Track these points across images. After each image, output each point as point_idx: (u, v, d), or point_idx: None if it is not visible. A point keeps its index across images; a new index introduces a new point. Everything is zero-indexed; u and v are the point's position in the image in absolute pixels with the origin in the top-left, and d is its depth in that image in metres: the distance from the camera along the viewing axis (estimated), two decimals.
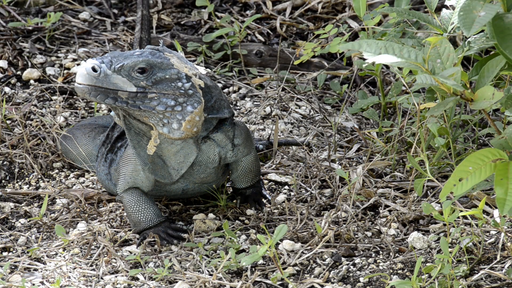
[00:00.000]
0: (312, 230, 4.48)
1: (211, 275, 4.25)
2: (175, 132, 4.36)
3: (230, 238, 4.45)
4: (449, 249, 4.13)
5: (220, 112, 4.50)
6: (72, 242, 4.48)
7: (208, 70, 6.01)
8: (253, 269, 4.29)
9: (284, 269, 4.29)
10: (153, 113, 4.32)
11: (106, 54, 4.32)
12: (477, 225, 4.39)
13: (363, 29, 5.24)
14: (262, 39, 6.39)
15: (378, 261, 4.34)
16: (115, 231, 4.58)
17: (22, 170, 5.12)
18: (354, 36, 6.23)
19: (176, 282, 4.22)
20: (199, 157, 4.50)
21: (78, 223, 4.66)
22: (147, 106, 4.31)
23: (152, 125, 4.36)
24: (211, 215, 4.67)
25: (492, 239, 4.37)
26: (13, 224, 4.70)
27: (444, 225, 4.51)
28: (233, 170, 4.69)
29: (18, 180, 5.06)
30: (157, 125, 4.35)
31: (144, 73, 4.28)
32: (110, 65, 4.25)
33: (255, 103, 5.76)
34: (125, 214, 4.70)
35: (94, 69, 4.23)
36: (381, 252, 4.40)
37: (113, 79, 4.25)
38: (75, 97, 5.81)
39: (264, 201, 4.76)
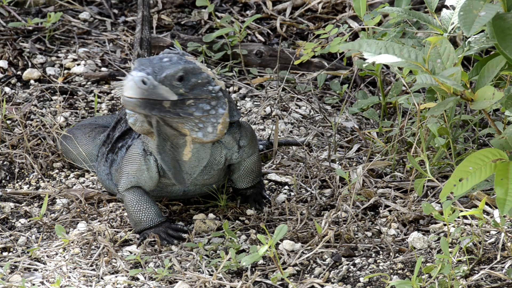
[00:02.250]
0: (312, 230, 4.48)
1: (211, 275, 4.25)
2: (209, 135, 4.38)
3: (230, 238, 4.45)
4: (449, 249, 4.14)
5: (230, 114, 4.51)
6: (72, 242, 4.48)
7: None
8: (253, 269, 4.29)
9: (284, 269, 4.29)
10: (190, 119, 4.33)
11: (139, 63, 4.27)
12: (477, 225, 4.39)
13: (363, 29, 5.25)
14: (262, 39, 6.39)
15: (378, 261, 4.34)
16: (115, 231, 4.58)
17: (22, 170, 5.12)
18: (354, 36, 6.23)
19: (176, 282, 4.22)
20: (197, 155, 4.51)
21: (78, 223, 4.66)
22: (186, 113, 4.31)
23: (187, 131, 4.36)
24: (211, 215, 4.68)
25: (492, 239, 4.37)
26: (13, 224, 4.70)
27: (444, 225, 4.51)
28: (235, 170, 4.69)
29: (18, 180, 5.06)
30: (191, 131, 4.36)
31: (182, 80, 4.29)
32: (155, 76, 4.23)
33: (255, 103, 5.76)
34: (125, 214, 4.70)
35: (143, 82, 4.22)
36: (381, 252, 4.40)
37: (159, 90, 4.24)
38: (75, 97, 5.81)
39: (264, 201, 4.77)
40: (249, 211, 4.72)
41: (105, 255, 4.39)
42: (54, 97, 5.75)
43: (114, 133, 4.83)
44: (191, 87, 4.32)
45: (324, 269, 4.29)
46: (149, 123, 4.36)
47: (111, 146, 4.80)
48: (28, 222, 4.70)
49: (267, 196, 4.79)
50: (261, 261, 4.34)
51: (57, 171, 5.12)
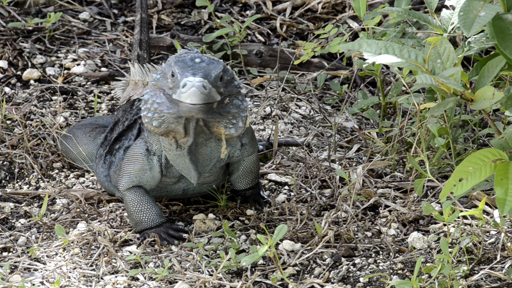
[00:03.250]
0: (312, 230, 4.48)
1: (211, 275, 4.25)
2: (239, 130, 4.39)
3: (230, 238, 4.45)
4: (449, 249, 4.14)
5: None
6: (72, 242, 4.48)
7: None
8: (253, 269, 4.29)
9: (284, 269, 4.29)
10: (226, 116, 4.33)
11: (181, 68, 4.25)
12: (477, 225, 4.39)
13: (363, 29, 5.24)
14: (262, 39, 6.39)
15: (378, 261, 4.34)
16: (115, 231, 4.58)
17: (22, 170, 5.12)
18: (354, 36, 6.23)
19: (176, 282, 4.22)
20: (208, 153, 4.50)
21: (78, 223, 4.66)
22: (225, 111, 4.32)
23: (222, 129, 4.35)
24: (211, 215, 4.67)
25: (492, 239, 4.37)
26: (13, 224, 4.70)
27: (444, 225, 4.52)
28: (234, 171, 4.69)
29: (18, 180, 5.06)
30: (226, 128, 4.36)
31: (222, 80, 4.29)
32: (208, 79, 4.24)
33: (255, 103, 5.76)
34: (125, 214, 4.70)
35: (204, 87, 4.20)
36: (381, 252, 4.40)
37: (212, 92, 4.23)
38: (75, 97, 5.81)
39: (263, 201, 4.76)
40: (249, 211, 4.72)
41: (105, 255, 4.39)
42: (54, 97, 5.75)
43: (112, 135, 4.82)
44: (225, 85, 4.32)
45: (324, 269, 4.29)
46: (185, 125, 4.34)
47: (108, 148, 4.79)
48: (28, 222, 4.70)
49: (266, 197, 4.78)
50: (261, 261, 4.34)
51: (57, 171, 5.12)
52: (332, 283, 4.21)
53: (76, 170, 5.12)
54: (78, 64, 6.10)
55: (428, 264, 4.19)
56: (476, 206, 4.61)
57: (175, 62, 4.29)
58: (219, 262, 4.27)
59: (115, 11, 6.68)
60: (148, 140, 4.52)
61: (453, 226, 4.38)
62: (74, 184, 5.01)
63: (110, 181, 4.77)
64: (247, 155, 4.62)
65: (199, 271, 4.29)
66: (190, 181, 4.57)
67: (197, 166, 4.47)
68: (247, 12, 6.62)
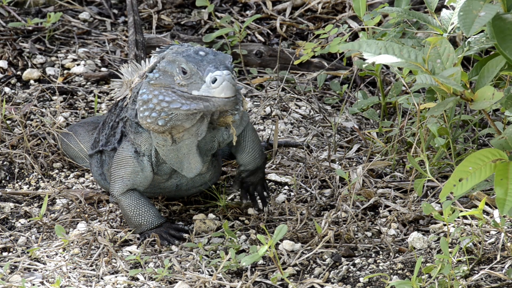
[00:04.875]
0: (312, 230, 4.48)
1: (211, 275, 4.25)
2: (240, 113, 4.41)
3: (230, 238, 4.45)
4: (449, 249, 4.14)
5: None
6: (72, 242, 4.48)
7: None
8: (253, 269, 4.29)
9: (284, 269, 4.29)
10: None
11: (197, 64, 4.22)
12: (477, 225, 4.39)
13: (363, 29, 5.25)
14: (262, 39, 6.39)
15: (378, 261, 4.34)
16: (115, 231, 4.58)
17: (22, 170, 5.12)
18: (354, 36, 6.23)
19: (176, 282, 4.22)
20: (203, 146, 4.49)
21: (78, 223, 4.66)
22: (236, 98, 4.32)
23: (230, 116, 4.35)
24: (211, 215, 4.67)
25: (492, 239, 4.37)
26: (13, 224, 4.70)
27: (444, 225, 4.52)
28: (239, 150, 4.62)
29: (18, 180, 5.06)
30: (232, 115, 4.36)
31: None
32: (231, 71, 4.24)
33: (255, 103, 5.76)
34: None
35: (233, 78, 4.20)
36: (381, 252, 4.40)
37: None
38: (75, 97, 5.81)
39: (266, 198, 4.74)
40: (250, 211, 4.72)
41: (105, 255, 4.39)
42: (54, 97, 5.75)
43: (99, 136, 4.80)
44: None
45: (324, 269, 4.29)
46: (198, 120, 4.32)
47: (98, 149, 4.77)
48: (28, 222, 4.70)
49: (268, 192, 4.76)
50: (261, 261, 4.34)
51: (57, 171, 5.12)
52: (332, 283, 4.21)
53: (76, 170, 5.12)
54: (78, 64, 6.10)
55: (428, 264, 4.20)
56: (476, 206, 4.61)
57: (186, 59, 4.24)
58: (219, 262, 4.27)
59: (115, 11, 6.68)
60: (136, 142, 4.49)
61: (453, 226, 4.38)
62: (74, 185, 5.01)
63: (105, 179, 4.76)
64: (238, 132, 4.57)
65: (199, 271, 4.29)
66: (181, 175, 4.54)
67: (202, 157, 4.46)
68: (247, 12, 6.63)
